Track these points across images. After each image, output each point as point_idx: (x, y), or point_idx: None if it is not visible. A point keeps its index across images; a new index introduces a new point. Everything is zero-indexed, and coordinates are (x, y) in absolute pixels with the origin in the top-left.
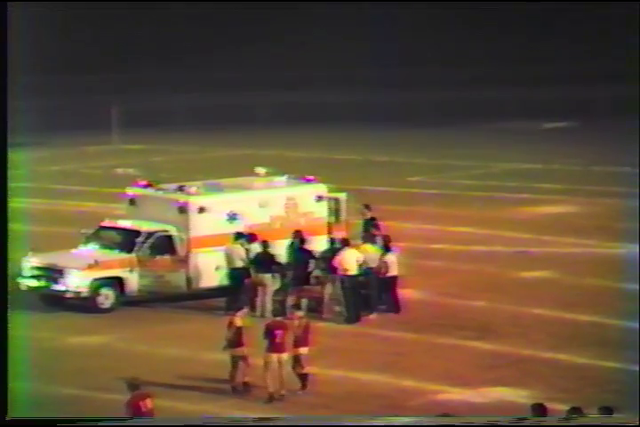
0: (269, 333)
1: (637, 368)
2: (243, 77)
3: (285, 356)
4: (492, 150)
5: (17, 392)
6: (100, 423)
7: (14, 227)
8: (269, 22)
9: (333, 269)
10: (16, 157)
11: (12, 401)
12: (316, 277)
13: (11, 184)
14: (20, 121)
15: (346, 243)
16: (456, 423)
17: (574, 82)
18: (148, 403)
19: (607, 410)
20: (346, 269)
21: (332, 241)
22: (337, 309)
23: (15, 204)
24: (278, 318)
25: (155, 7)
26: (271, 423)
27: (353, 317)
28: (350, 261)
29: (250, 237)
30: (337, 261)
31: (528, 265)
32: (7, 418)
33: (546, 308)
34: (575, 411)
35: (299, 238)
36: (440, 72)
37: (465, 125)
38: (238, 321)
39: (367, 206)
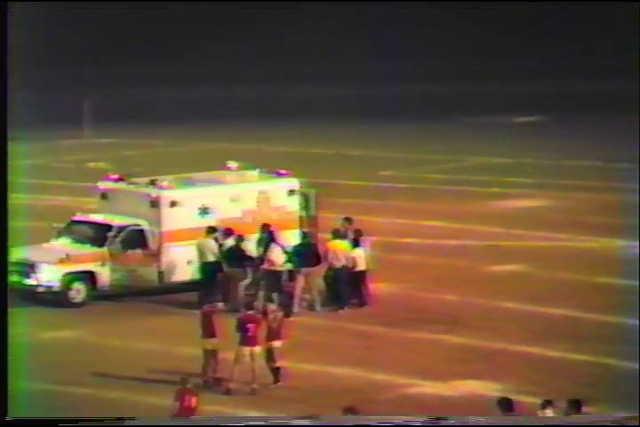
0: (242, 326)
1: (609, 361)
2: (216, 71)
3: (258, 349)
4: (464, 144)
5: None
6: (101, 424)
7: None
8: (245, 17)
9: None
10: None
11: None
12: (288, 271)
13: None
14: None
15: (272, 238)
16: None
17: (546, 76)
18: (194, 401)
19: (576, 403)
20: (277, 265)
21: (304, 235)
22: (304, 304)
23: None
24: (250, 312)
25: (128, 2)
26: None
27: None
28: (279, 255)
29: (225, 232)
30: (268, 255)
31: (499, 259)
32: (7, 418)
33: (517, 301)
34: (547, 404)
35: (267, 232)
36: (412, 67)
37: (437, 120)
38: (212, 312)
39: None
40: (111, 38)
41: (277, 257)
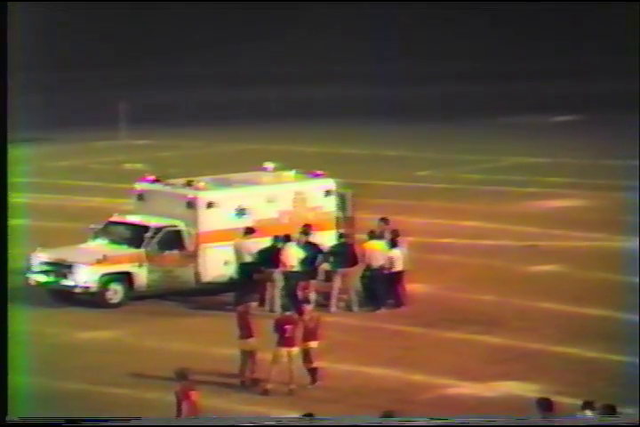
0: (279, 327)
1: None
2: (251, 73)
3: (295, 350)
4: (501, 144)
5: (26, 388)
6: (104, 423)
7: (24, 222)
8: (275, 19)
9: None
10: (25, 153)
11: (20, 397)
12: (325, 272)
13: (19, 180)
14: (28, 117)
15: (287, 239)
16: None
17: (583, 76)
18: (194, 395)
19: (610, 408)
20: (288, 266)
21: (341, 236)
22: (342, 304)
23: (24, 199)
24: (288, 313)
25: (163, 3)
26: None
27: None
28: (292, 256)
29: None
30: (281, 256)
31: (537, 259)
32: (8, 419)
33: (555, 302)
34: (587, 405)
35: (308, 233)
36: (449, 66)
37: (473, 119)
38: (247, 312)
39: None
40: (147, 38)
41: (288, 258)
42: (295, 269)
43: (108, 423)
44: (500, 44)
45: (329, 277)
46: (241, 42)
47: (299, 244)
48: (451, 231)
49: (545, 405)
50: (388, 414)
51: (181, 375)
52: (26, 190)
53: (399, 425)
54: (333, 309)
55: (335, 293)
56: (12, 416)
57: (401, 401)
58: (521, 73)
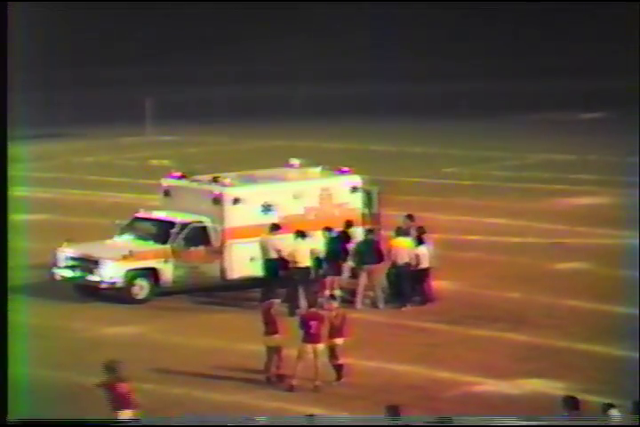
0: (304, 323)
1: None
2: (276, 69)
3: (320, 346)
4: (527, 141)
5: (51, 382)
6: (109, 423)
7: (49, 217)
8: (301, 15)
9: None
10: (51, 149)
11: (44, 392)
12: (351, 269)
13: (46, 175)
14: (55, 113)
15: (301, 234)
16: None
17: (611, 72)
18: (123, 387)
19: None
20: (296, 262)
21: (367, 232)
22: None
23: (50, 194)
24: (313, 309)
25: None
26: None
27: (291, 309)
28: (300, 253)
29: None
30: (288, 252)
31: (563, 256)
32: (16, 418)
33: (581, 299)
34: (609, 406)
35: (348, 227)
36: (476, 63)
37: (500, 116)
38: (272, 308)
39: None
40: (173, 35)
41: (294, 254)
42: (305, 265)
43: (109, 424)
44: (528, 40)
45: (355, 273)
46: (266, 39)
47: (324, 239)
48: (477, 228)
49: (571, 403)
50: (392, 409)
51: (109, 368)
52: (52, 186)
53: (402, 425)
54: (359, 305)
55: (361, 289)
56: (36, 411)
57: (426, 398)
58: (549, 69)
